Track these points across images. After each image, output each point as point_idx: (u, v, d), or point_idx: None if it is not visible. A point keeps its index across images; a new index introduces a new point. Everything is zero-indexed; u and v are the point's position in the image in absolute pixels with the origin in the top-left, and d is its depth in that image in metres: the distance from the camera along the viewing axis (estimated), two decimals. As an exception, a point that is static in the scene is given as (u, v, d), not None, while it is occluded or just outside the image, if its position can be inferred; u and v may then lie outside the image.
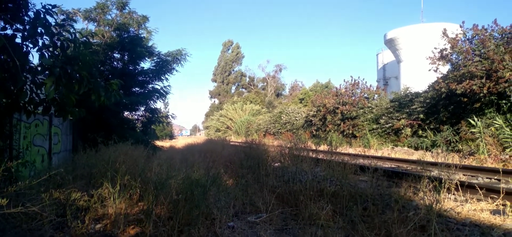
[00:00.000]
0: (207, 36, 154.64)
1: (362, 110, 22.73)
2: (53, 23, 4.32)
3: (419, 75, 28.73)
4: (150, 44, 16.10)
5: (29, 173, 7.80)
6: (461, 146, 13.95)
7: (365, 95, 24.36)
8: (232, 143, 20.77)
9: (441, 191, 4.32)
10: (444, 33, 16.03)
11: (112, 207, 4.83)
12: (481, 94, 13.52)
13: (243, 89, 79.65)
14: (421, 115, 17.64)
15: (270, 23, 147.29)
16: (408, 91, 21.09)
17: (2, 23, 4.11)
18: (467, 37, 15.64)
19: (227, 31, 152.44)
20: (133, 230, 4.41)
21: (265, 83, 77.97)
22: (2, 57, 3.99)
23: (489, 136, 12.23)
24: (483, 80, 13.50)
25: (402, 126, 18.46)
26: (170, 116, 19.57)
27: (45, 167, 8.69)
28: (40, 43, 4.22)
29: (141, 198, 5.34)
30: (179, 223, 4.25)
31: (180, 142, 40.91)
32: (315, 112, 27.88)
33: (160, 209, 4.68)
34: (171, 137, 54.16)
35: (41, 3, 4.24)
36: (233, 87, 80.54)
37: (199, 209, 4.35)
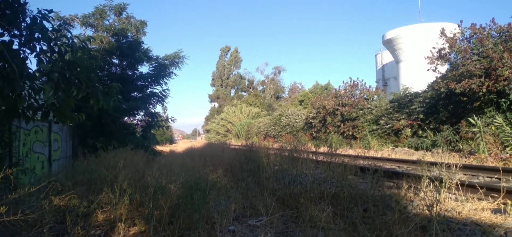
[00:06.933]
0: (206, 40, 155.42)
1: (361, 111, 22.71)
2: (50, 29, 4.31)
3: (418, 75, 28.77)
4: (146, 47, 16.08)
5: (28, 180, 7.78)
6: (462, 145, 13.94)
7: (365, 96, 24.34)
8: (232, 146, 20.76)
9: (442, 191, 4.31)
10: (442, 33, 16.05)
11: (112, 212, 4.81)
12: (481, 93, 13.52)
13: (243, 93, 79.54)
14: (421, 116, 17.64)
15: (268, 25, 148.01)
16: (407, 92, 21.07)
17: (0, 30, 4.10)
18: (465, 36, 15.67)
19: (225, 34, 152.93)
20: (133, 236, 4.39)
21: (264, 86, 77.92)
22: (0, 63, 3.98)
23: (489, 135, 12.22)
24: (482, 79, 13.51)
25: (402, 126, 18.45)
26: (169, 120, 19.56)
27: (45, 173, 8.66)
28: (37, 49, 4.21)
29: (141, 203, 5.32)
30: (179, 227, 4.24)
31: (180, 146, 40.87)
32: (315, 114, 27.87)
33: (160, 213, 4.66)
34: (171, 141, 54.01)
35: (38, 8, 4.24)
36: (233, 91, 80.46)
37: (199, 213, 4.33)
